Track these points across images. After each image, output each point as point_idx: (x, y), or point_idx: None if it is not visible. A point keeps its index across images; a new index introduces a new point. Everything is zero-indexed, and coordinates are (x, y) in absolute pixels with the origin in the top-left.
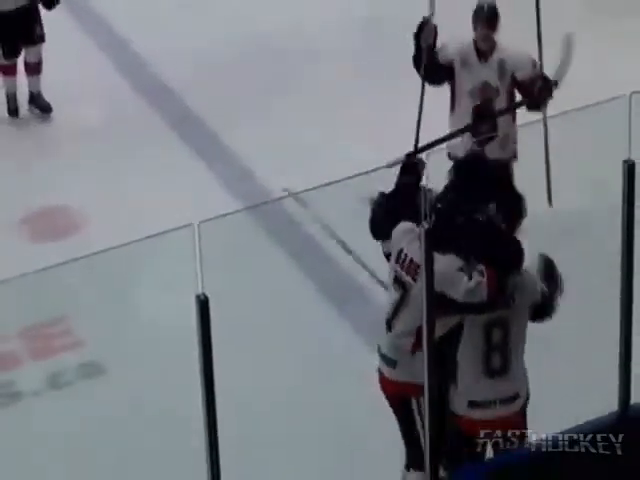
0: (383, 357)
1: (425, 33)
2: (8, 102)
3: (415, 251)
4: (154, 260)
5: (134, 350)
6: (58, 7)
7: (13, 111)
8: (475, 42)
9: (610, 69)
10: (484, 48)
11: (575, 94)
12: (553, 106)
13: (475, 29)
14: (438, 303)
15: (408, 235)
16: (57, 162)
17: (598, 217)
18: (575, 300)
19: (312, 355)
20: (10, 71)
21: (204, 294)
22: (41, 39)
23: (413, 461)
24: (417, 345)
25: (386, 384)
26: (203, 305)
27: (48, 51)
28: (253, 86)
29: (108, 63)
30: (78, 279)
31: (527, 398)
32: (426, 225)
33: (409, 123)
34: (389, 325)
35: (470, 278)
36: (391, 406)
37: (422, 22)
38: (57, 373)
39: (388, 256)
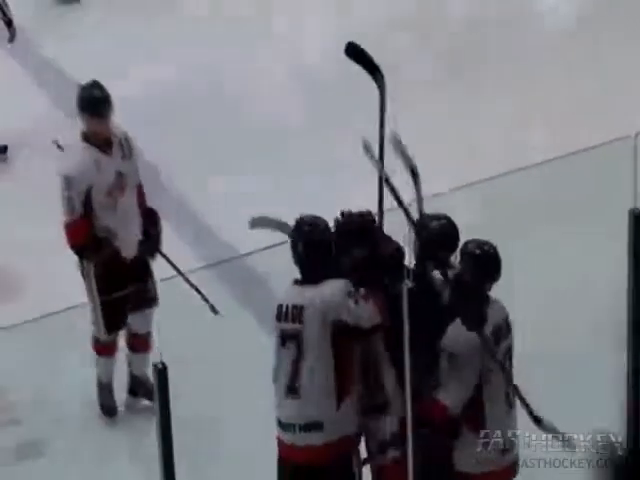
0: (301, 427)
1: None
2: None
3: (291, 294)
4: None
5: (83, 426)
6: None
7: None
8: None
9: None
10: None
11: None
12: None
13: None
14: (338, 330)
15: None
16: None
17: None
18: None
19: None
20: None
21: (162, 362)
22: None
23: None
24: (341, 396)
25: (315, 453)
26: (161, 374)
27: None
28: (211, 135)
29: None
30: (20, 346)
31: None
32: (408, 284)
33: None
34: (293, 390)
35: (356, 302)
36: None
37: None
38: None
39: None
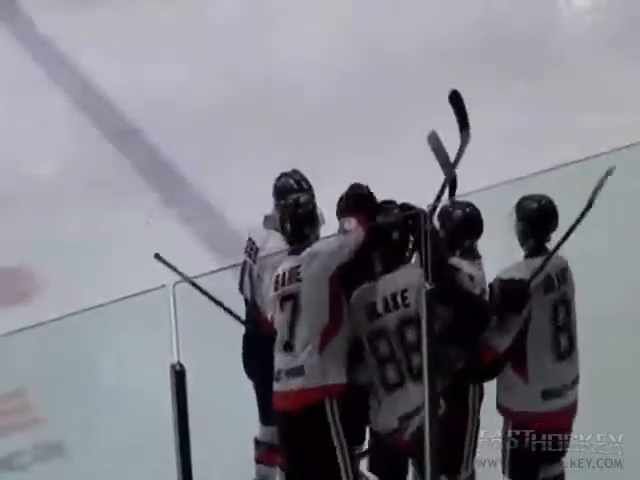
0: (287, 374)
1: None
2: None
3: (287, 262)
4: (124, 325)
5: (99, 429)
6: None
7: None
8: None
9: None
10: None
11: None
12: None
13: None
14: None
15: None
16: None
17: None
18: None
19: None
20: None
21: (180, 364)
22: None
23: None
24: (324, 343)
25: (291, 399)
26: (179, 376)
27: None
28: (231, 132)
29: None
30: (39, 347)
31: None
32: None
33: None
34: (289, 347)
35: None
36: (290, 425)
37: None
38: (12, 454)
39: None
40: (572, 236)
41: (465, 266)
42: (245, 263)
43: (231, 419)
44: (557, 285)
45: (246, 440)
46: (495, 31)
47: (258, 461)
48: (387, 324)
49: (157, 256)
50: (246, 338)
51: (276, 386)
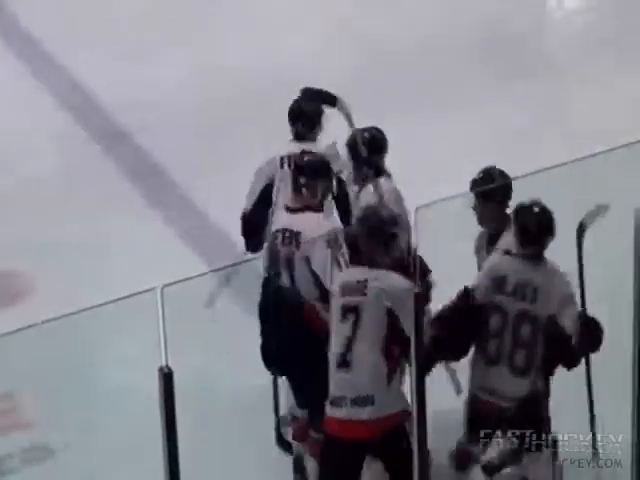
0: (352, 401)
1: None
2: None
3: (355, 272)
4: (113, 328)
5: (94, 430)
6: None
7: None
8: None
9: None
10: None
11: None
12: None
13: None
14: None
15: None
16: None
17: None
18: None
19: None
20: None
21: (168, 366)
22: None
23: None
24: (392, 368)
25: (365, 428)
26: (167, 379)
27: None
28: (216, 135)
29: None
30: (29, 350)
31: None
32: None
33: None
34: (345, 363)
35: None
36: (361, 453)
37: None
38: (2, 457)
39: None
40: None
41: (385, 185)
42: (275, 255)
43: (220, 419)
44: (527, 297)
45: (234, 441)
46: (487, 32)
47: (294, 438)
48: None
49: None
50: (283, 327)
51: (338, 412)
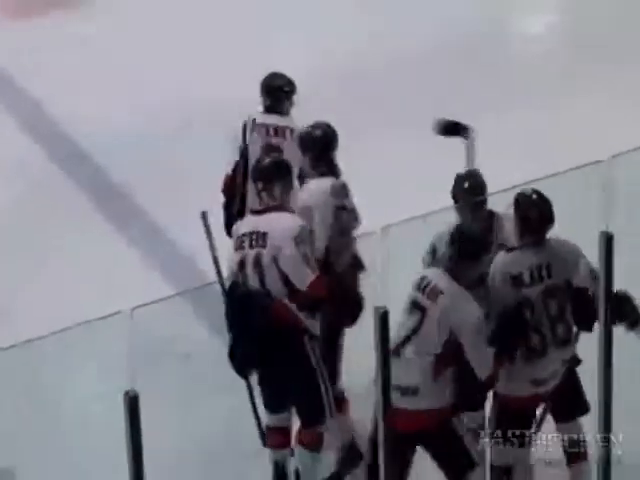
0: (400, 390)
1: None
2: None
3: (436, 274)
4: (80, 351)
5: (51, 455)
6: None
7: None
8: None
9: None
10: None
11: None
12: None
13: None
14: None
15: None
16: None
17: None
18: None
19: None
20: None
21: (134, 390)
22: None
23: None
24: (439, 368)
25: (412, 418)
26: (133, 402)
27: None
28: (181, 157)
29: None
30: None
31: None
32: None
33: None
34: (396, 352)
35: None
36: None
37: None
38: None
39: None
40: None
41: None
42: (242, 262)
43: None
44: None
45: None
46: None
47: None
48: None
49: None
50: (257, 331)
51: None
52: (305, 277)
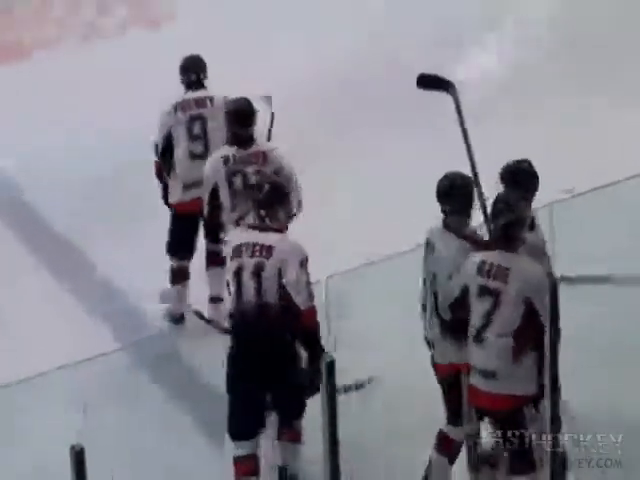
0: (480, 372)
1: None
2: None
3: (497, 257)
4: (25, 405)
5: None
6: None
7: None
8: None
9: None
10: None
11: None
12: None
13: None
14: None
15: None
16: None
17: None
18: None
19: None
20: None
21: (79, 444)
22: None
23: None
24: (517, 351)
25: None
26: (78, 456)
27: None
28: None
29: None
30: None
31: None
32: None
33: None
34: (479, 338)
35: None
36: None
37: None
38: None
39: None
40: None
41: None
42: (239, 269)
43: None
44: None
45: None
46: None
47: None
48: None
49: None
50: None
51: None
52: (306, 299)
